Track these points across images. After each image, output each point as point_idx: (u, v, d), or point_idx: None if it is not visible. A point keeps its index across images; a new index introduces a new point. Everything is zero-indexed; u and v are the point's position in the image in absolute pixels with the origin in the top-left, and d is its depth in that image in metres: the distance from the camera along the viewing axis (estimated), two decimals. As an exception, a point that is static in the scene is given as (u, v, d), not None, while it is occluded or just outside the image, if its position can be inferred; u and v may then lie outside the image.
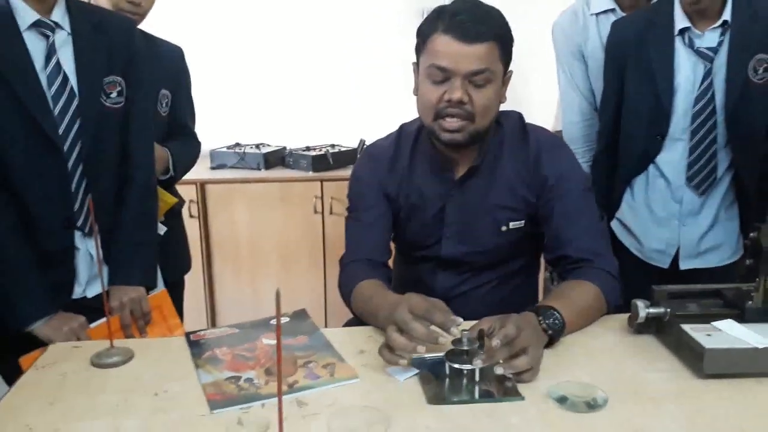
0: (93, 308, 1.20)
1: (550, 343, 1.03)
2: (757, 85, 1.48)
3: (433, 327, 0.94)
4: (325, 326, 2.65)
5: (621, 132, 1.64)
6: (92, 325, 1.18)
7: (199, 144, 1.82)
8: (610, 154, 1.68)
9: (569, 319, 1.04)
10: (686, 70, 1.51)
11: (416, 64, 1.20)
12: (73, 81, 1.18)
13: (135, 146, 1.32)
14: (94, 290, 1.26)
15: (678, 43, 1.52)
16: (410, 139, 1.30)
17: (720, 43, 1.48)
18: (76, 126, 1.18)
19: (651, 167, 1.60)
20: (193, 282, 2.61)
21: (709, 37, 1.50)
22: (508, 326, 0.92)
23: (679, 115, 1.53)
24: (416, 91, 1.21)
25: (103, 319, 1.14)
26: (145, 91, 1.36)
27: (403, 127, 1.34)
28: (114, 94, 1.25)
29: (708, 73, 1.49)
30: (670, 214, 1.59)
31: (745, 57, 1.48)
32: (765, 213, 1.59)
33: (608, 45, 1.66)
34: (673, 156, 1.56)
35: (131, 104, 1.29)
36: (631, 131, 1.61)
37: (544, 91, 2.65)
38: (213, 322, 2.73)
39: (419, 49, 1.17)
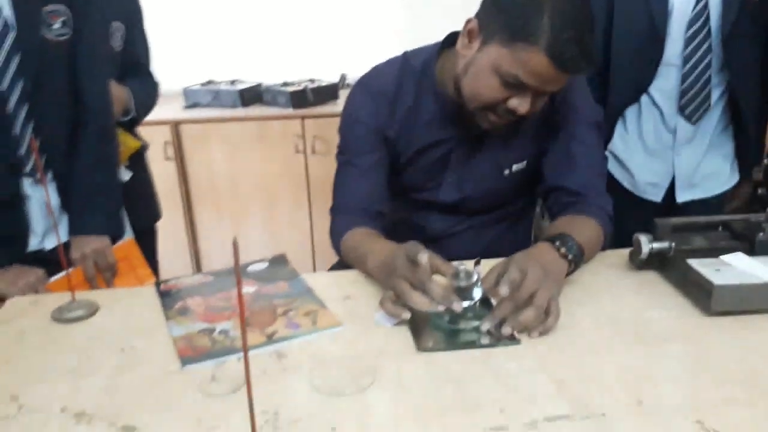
0: (54, 261, 1.10)
1: (571, 271, 0.95)
2: (755, 3, 1.37)
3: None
4: (314, 269, 2.62)
5: (612, 59, 1.53)
6: (52, 279, 1.10)
7: (157, 84, 1.68)
8: (600, 83, 1.56)
9: (582, 249, 0.96)
10: None
11: (482, 36, 0.98)
12: (7, 11, 1.04)
13: (86, 84, 1.19)
14: (53, 241, 1.17)
15: None
16: (415, 74, 1.13)
17: None
18: (15, 62, 1.06)
19: (644, 96, 1.50)
20: (175, 227, 2.53)
21: None
22: (510, 270, 0.85)
23: (674, 40, 1.42)
24: (470, 62, 1.00)
25: (65, 272, 1.06)
26: (95, 22, 1.21)
27: (406, 57, 1.16)
28: (57, 25, 1.12)
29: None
30: (663, 144, 1.51)
31: None
32: (764, 136, 1.52)
33: None
34: (666, 83, 1.46)
35: (79, 37, 1.16)
36: (624, 57, 1.50)
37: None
38: (198, 268, 2.67)
39: (500, 35, 0.94)
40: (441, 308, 0.83)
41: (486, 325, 0.84)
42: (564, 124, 1.12)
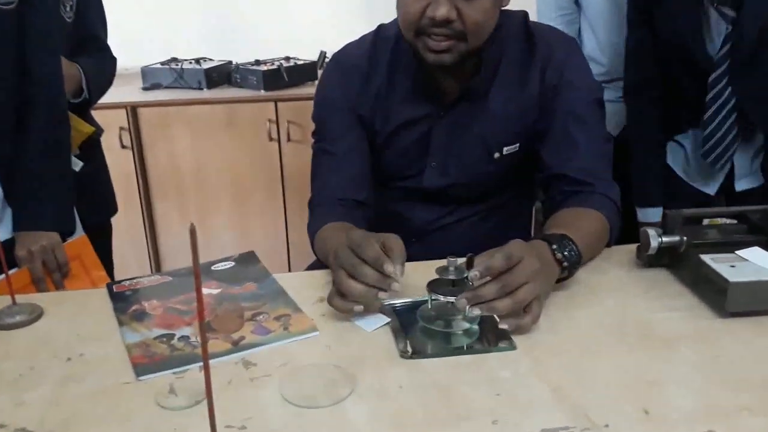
0: None
1: (564, 278, 0.96)
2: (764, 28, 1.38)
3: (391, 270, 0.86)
4: (289, 270, 2.63)
5: (674, 85, 1.53)
6: (-6, 280, 1.08)
7: (114, 59, 1.68)
8: (657, 106, 1.56)
9: (582, 251, 0.97)
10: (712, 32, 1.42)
11: None
12: None
13: (36, 57, 1.18)
14: (-5, 237, 1.16)
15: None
16: (388, 46, 1.16)
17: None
18: None
19: None
20: (132, 224, 2.51)
21: None
22: (496, 256, 0.84)
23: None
24: None
25: (12, 271, 1.05)
26: None
27: (380, 29, 1.19)
28: None
29: (727, 38, 1.39)
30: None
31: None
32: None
33: None
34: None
35: (27, 6, 1.15)
36: (683, 83, 1.51)
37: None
38: (158, 269, 2.65)
39: None
40: (383, 296, 0.85)
41: (462, 302, 0.83)
42: (561, 103, 1.13)
